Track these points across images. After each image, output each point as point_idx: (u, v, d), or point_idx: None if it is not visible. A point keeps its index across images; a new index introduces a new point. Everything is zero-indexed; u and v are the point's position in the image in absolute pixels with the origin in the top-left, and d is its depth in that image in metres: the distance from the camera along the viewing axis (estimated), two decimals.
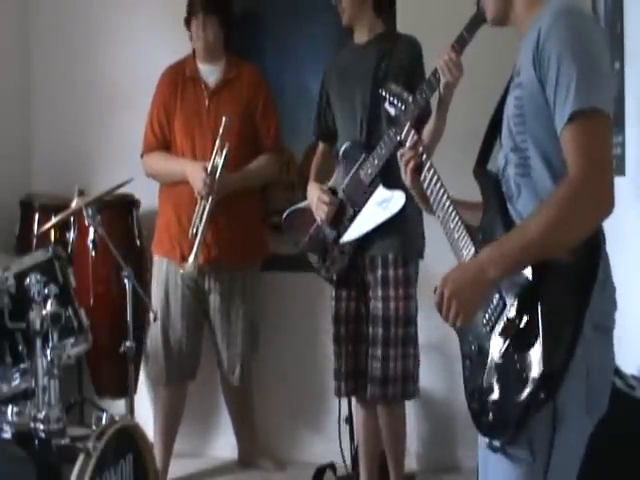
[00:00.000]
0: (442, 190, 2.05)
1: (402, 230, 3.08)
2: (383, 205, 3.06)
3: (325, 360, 3.99)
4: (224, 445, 4.12)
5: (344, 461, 3.63)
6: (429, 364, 3.54)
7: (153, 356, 3.76)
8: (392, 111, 2.71)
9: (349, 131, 3.20)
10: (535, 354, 1.65)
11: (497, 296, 1.75)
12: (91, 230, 3.24)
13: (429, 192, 2.09)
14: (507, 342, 1.72)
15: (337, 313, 3.24)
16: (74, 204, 3.28)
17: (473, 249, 1.87)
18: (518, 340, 1.69)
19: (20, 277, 2.65)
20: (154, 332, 3.73)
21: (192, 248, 3.53)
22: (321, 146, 3.44)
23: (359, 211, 3.14)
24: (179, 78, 3.77)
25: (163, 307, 3.72)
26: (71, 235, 3.64)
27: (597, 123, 1.65)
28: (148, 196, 3.89)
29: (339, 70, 3.28)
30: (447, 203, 2.02)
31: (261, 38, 4.05)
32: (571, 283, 1.67)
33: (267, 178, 3.91)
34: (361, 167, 3.11)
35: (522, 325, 1.69)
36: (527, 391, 1.65)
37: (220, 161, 3.55)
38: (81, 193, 3.36)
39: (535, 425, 1.67)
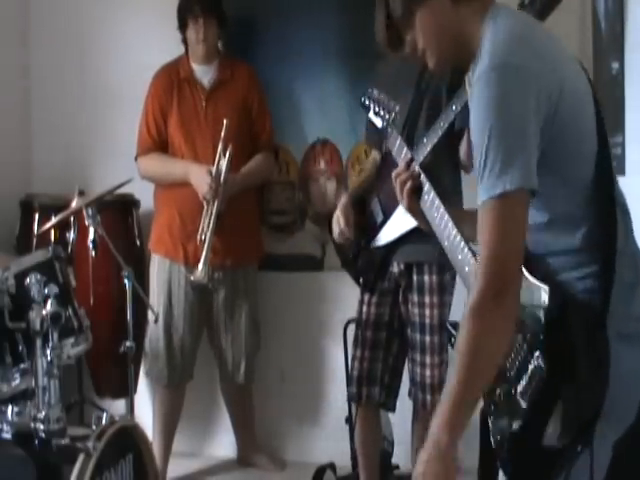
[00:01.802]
0: (445, 217, 1.89)
1: (434, 237, 3.00)
2: (409, 214, 3.02)
3: (324, 360, 4.00)
4: (223, 445, 4.12)
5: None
6: None
7: (154, 356, 3.76)
8: (378, 122, 2.53)
9: None
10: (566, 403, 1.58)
11: (520, 337, 1.67)
12: (91, 230, 3.23)
13: (430, 218, 1.94)
14: (535, 390, 1.64)
15: (359, 316, 3.20)
16: (74, 204, 3.28)
17: None
18: (546, 387, 1.62)
19: (20, 277, 2.64)
20: (155, 333, 3.73)
21: (198, 251, 3.56)
22: (373, 153, 3.32)
23: (388, 218, 3.11)
24: (174, 79, 3.76)
25: (166, 308, 3.71)
26: (71, 235, 3.63)
27: (502, 207, 1.56)
28: (148, 196, 3.88)
29: (386, 75, 3.21)
30: (453, 232, 1.88)
31: (261, 37, 4.04)
32: (590, 320, 1.60)
33: (266, 177, 3.92)
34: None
35: (548, 371, 1.61)
36: (562, 443, 1.59)
37: (224, 164, 3.56)
38: (81, 193, 3.36)
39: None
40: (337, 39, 3.94)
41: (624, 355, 1.60)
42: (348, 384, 3.27)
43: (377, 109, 2.51)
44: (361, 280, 3.22)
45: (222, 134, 3.54)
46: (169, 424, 3.80)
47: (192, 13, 3.66)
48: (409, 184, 1.97)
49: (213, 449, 4.16)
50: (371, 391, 3.17)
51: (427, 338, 3.07)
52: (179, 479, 3.86)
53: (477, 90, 1.58)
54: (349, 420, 3.52)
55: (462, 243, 1.85)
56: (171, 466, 3.77)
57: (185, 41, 3.77)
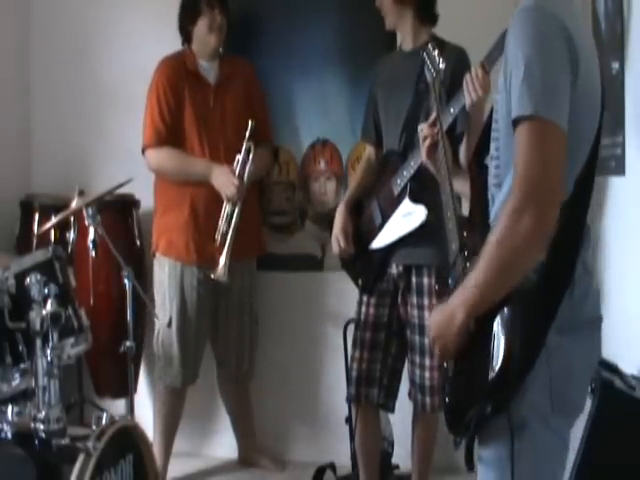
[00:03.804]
0: (447, 176, 2.10)
1: (434, 241, 2.95)
2: (407, 218, 3.02)
3: (324, 360, 4.00)
4: (224, 445, 4.12)
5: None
6: None
7: (167, 360, 3.73)
8: (428, 77, 2.72)
9: (389, 139, 3.16)
10: (488, 368, 1.65)
11: None
12: (91, 230, 3.23)
13: (437, 173, 2.19)
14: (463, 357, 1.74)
15: (358, 317, 3.20)
16: (74, 204, 3.28)
17: (457, 245, 1.91)
18: (473, 355, 1.72)
19: (20, 277, 2.64)
20: (167, 337, 3.70)
21: (213, 251, 3.57)
22: (368, 150, 3.37)
23: (387, 221, 3.12)
24: (182, 71, 3.74)
25: (180, 311, 3.69)
26: (71, 235, 3.64)
27: (536, 130, 1.57)
28: (148, 196, 3.88)
29: (386, 76, 3.22)
30: (448, 190, 2.06)
31: (261, 37, 4.04)
32: (536, 301, 1.63)
33: (268, 170, 3.94)
34: (394, 177, 3.08)
35: (475, 340, 1.70)
36: (476, 406, 1.67)
37: (248, 165, 3.59)
38: (81, 193, 3.36)
39: (495, 435, 1.67)
40: (337, 39, 3.94)
41: (560, 348, 1.65)
42: (347, 385, 3.27)
43: (429, 65, 2.68)
44: (360, 281, 3.22)
45: (247, 134, 3.56)
46: (170, 425, 3.79)
47: (209, 6, 3.67)
48: (429, 140, 2.24)
49: (213, 449, 4.16)
50: (370, 392, 3.17)
51: (426, 340, 3.06)
52: (179, 479, 3.86)
53: (511, 33, 1.63)
54: (349, 420, 3.52)
55: (452, 202, 2.06)
56: (171, 466, 3.77)
57: (188, 39, 3.77)
